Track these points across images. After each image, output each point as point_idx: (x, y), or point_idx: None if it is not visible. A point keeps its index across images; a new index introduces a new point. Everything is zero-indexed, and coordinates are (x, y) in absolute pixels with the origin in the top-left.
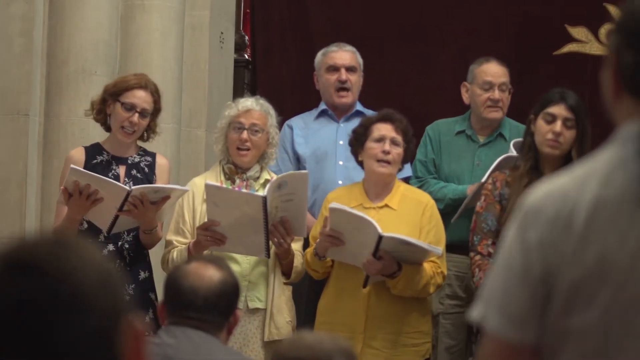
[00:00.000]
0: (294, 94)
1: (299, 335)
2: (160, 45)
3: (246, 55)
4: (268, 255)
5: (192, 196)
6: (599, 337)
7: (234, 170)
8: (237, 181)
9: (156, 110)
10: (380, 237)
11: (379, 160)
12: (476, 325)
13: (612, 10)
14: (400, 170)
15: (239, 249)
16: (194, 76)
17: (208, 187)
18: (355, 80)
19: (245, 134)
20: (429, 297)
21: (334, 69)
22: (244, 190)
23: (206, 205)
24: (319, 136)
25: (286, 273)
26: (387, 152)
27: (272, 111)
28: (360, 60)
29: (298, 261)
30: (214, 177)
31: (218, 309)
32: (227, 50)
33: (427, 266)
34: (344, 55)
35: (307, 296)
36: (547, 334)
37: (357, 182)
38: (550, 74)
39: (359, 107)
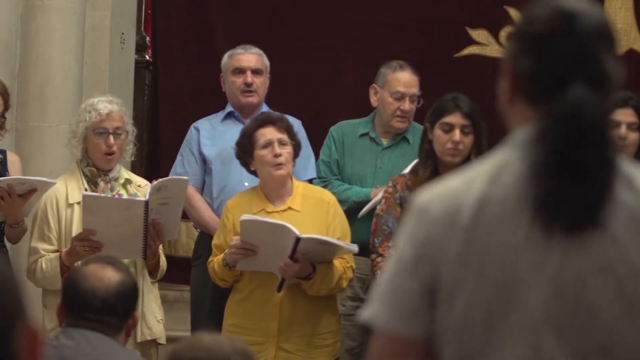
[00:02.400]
0: (194, 95)
1: (196, 336)
2: (60, 46)
3: (147, 56)
4: (145, 257)
5: (55, 201)
6: (477, 331)
7: (97, 173)
8: (101, 184)
9: (5, 109)
10: (298, 239)
11: (273, 165)
12: (366, 326)
13: (513, 13)
14: (294, 165)
15: (115, 253)
16: (94, 77)
17: (86, 197)
18: (262, 82)
19: (111, 139)
20: (337, 296)
21: (240, 71)
22: (124, 197)
23: (82, 215)
24: (225, 138)
25: (152, 272)
26: (278, 155)
27: (125, 107)
28: (267, 63)
29: (162, 260)
30: (74, 181)
31: (116, 310)
32: (127, 51)
33: (337, 262)
34: (250, 57)
35: (211, 297)
36: (436, 329)
37: (254, 187)
38: (451, 76)
39: (264, 109)
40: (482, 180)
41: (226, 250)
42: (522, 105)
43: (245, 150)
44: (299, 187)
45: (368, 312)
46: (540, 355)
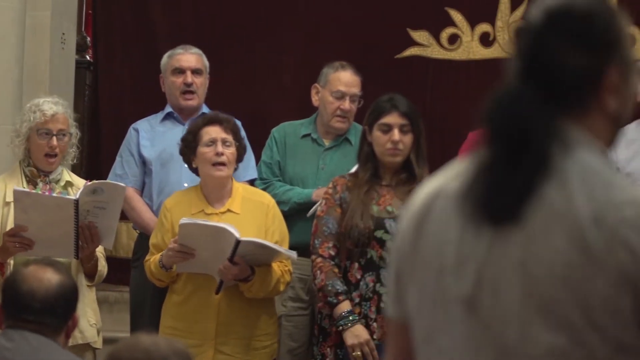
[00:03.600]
0: (135, 96)
1: (135, 337)
2: (0, 46)
3: (88, 57)
4: (77, 257)
5: None
6: (424, 318)
7: (36, 174)
8: (41, 184)
9: None
10: (238, 242)
11: (214, 164)
12: (320, 324)
13: (454, 14)
14: (236, 169)
15: (47, 252)
16: (34, 77)
17: (17, 193)
18: (201, 82)
19: (54, 141)
20: (274, 298)
21: (180, 71)
22: (54, 194)
23: (14, 211)
24: (164, 139)
25: (90, 276)
26: (220, 154)
27: (70, 108)
28: (207, 63)
29: (101, 264)
30: (14, 180)
31: (56, 312)
32: (68, 52)
33: (275, 266)
34: (190, 57)
35: (150, 298)
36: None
37: (194, 187)
38: (393, 77)
39: (204, 109)
40: (448, 175)
41: (163, 252)
42: None
43: (189, 147)
44: (239, 189)
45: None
46: (468, 344)
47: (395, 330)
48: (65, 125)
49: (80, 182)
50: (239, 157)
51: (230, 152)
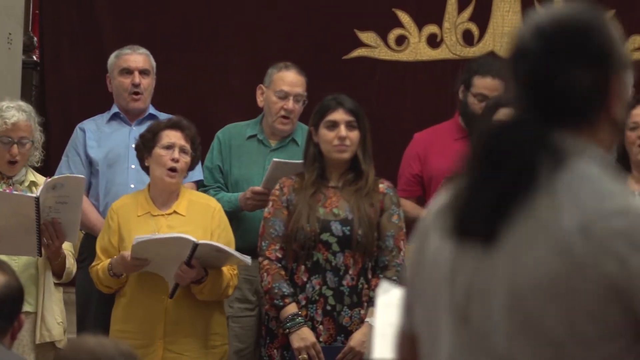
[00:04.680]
0: (82, 96)
1: (80, 338)
2: None
3: (35, 57)
4: (40, 254)
5: None
6: (425, 332)
7: None
8: (3, 186)
9: None
10: (196, 245)
11: (167, 169)
12: (267, 325)
13: (401, 15)
14: (185, 177)
15: (9, 250)
16: None
17: None
18: (149, 83)
19: (15, 149)
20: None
21: (127, 71)
22: (15, 192)
23: None
24: (111, 139)
25: (57, 274)
26: (176, 160)
27: (34, 113)
28: (154, 63)
29: (70, 262)
30: None
31: (2, 313)
32: (14, 52)
33: (224, 269)
34: (137, 57)
35: (97, 299)
36: None
37: (141, 190)
38: (340, 78)
39: (151, 110)
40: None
41: (112, 260)
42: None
43: (146, 145)
44: (186, 192)
45: None
46: (458, 357)
47: (403, 343)
48: (27, 133)
49: (43, 181)
50: (192, 166)
51: (185, 160)
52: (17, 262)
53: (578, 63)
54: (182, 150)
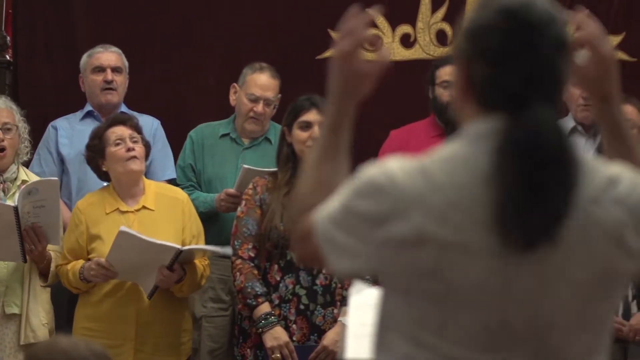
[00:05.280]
0: (56, 96)
1: (53, 339)
2: None
3: (7, 56)
4: (25, 260)
5: None
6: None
7: None
8: None
9: None
10: (180, 252)
11: (127, 160)
12: (240, 325)
13: (375, 15)
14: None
15: None
16: None
17: None
18: (121, 81)
19: (0, 134)
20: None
21: (100, 69)
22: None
23: None
24: (84, 137)
25: (44, 275)
26: (131, 149)
27: (14, 105)
28: (126, 62)
29: (54, 264)
30: None
31: None
32: None
33: (197, 261)
34: (109, 56)
35: (68, 300)
36: None
37: (106, 187)
38: (314, 78)
39: (124, 108)
40: (438, 174)
41: (84, 264)
42: (474, 106)
43: (97, 151)
44: (152, 186)
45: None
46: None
47: None
48: (10, 119)
49: (35, 180)
50: (146, 155)
51: (139, 147)
52: (6, 264)
53: (560, 50)
54: (132, 139)
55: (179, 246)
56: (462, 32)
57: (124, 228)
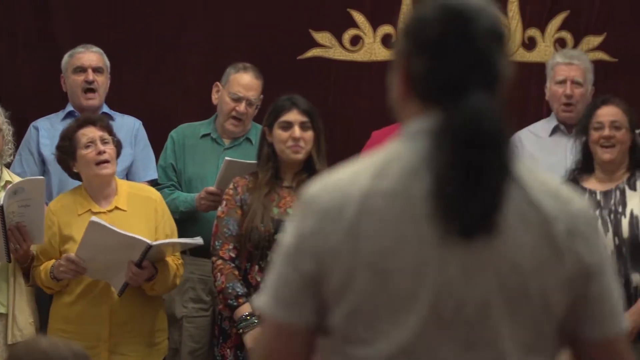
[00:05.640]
0: (38, 97)
1: (33, 339)
2: None
3: None
4: (9, 260)
5: None
6: (364, 319)
7: None
8: None
9: None
10: (149, 247)
11: (97, 163)
12: (220, 325)
13: (356, 16)
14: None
15: None
16: None
17: None
18: (102, 81)
19: None
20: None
21: (81, 69)
22: None
23: None
24: None
25: (28, 275)
26: (102, 152)
27: None
28: (107, 62)
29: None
30: None
31: None
32: None
33: (170, 260)
34: (91, 56)
35: (49, 299)
36: (330, 317)
37: (77, 188)
38: (295, 78)
39: (105, 109)
40: (368, 173)
41: (54, 262)
42: (414, 103)
43: (67, 152)
44: (124, 186)
45: (259, 301)
46: (420, 346)
47: (286, 337)
48: None
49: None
50: (117, 153)
51: (110, 148)
52: None
53: (503, 53)
54: (103, 140)
55: (148, 241)
56: (401, 30)
57: (95, 218)
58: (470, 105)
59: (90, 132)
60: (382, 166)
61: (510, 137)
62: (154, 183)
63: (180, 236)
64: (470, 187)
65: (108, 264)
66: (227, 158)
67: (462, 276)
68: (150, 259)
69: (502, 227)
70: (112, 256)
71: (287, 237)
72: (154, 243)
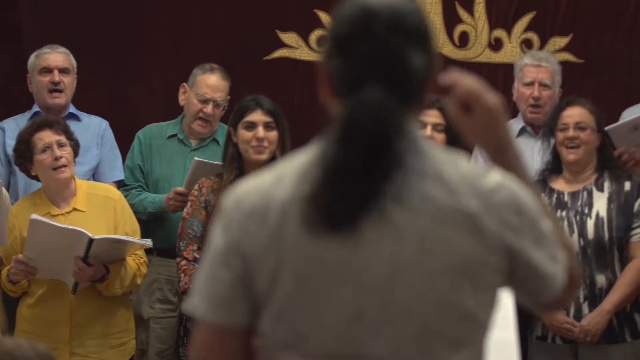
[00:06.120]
0: (3, 98)
1: None
2: None
3: None
4: None
5: None
6: (289, 322)
7: None
8: None
9: None
10: (91, 241)
11: (55, 169)
12: (185, 326)
13: (323, 16)
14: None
15: None
16: None
17: None
18: (69, 82)
19: None
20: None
21: (47, 70)
22: None
23: None
24: None
25: None
26: (59, 157)
27: None
28: (74, 63)
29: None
30: None
31: None
32: None
33: (130, 260)
34: (57, 56)
35: (13, 300)
36: (260, 316)
37: (38, 190)
38: (262, 79)
39: (72, 109)
40: (291, 176)
41: (8, 267)
42: (334, 102)
43: (24, 156)
44: (83, 186)
45: (189, 303)
46: (346, 349)
47: (220, 338)
48: None
49: None
50: (75, 154)
51: (67, 152)
52: None
53: (416, 46)
54: (60, 144)
55: (89, 233)
56: (324, 34)
57: (34, 216)
58: (356, 99)
59: (47, 137)
60: (305, 170)
61: (408, 133)
62: (120, 184)
63: (147, 237)
64: (340, 182)
65: (58, 262)
66: (196, 158)
67: (385, 276)
68: (105, 260)
69: (395, 222)
70: (59, 253)
71: (215, 239)
72: (96, 236)
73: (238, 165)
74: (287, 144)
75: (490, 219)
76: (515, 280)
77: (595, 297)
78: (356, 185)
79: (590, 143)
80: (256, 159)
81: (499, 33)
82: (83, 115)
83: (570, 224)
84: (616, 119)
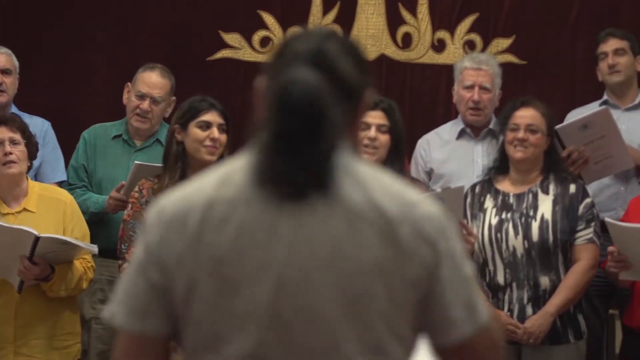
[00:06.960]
0: None
1: None
2: None
3: None
4: None
5: None
6: (209, 326)
7: None
8: None
9: None
10: (37, 239)
11: (3, 164)
12: (109, 324)
13: (266, 17)
14: (30, 167)
15: None
16: None
17: None
18: (11, 82)
19: None
20: (77, 297)
21: None
22: None
23: None
24: None
25: None
26: (9, 153)
27: None
28: (16, 63)
29: None
30: None
31: None
32: None
33: (77, 263)
34: None
35: None
36: (178, 324)
37: None
38: (205, 79)
39: (14, 109)
40: (212, 184)
41: None
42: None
43: None
44: (35, 187)
45: (108, 311)
46: (264, 352)
47: (139, 347)
48: None
49: None
50: (31, 155)
51: (19, 150)
52: None
53: (355, 64)
54: (12, 141)
55: (35, 232)
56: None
57: None
58: (286, 74)
59: (1, 133)
60: (226, 176)
61: (336, 119)
62: (62, 185)
63: (90, 238)
64: (282, 153)
65: (3, 261)
66: (136, 162)
67: (302, 279)
68: (51, 261)
69: (332, 221)
70: (5, 252)
71: (137, 248)
72: (42, 235)
73: (182, 164)
74: (238, 146)
75: (408, 228)
76: (422, 306)
77: (538, 299)
78: (304, 149)
79: (539, 146)
80: (208, 159)
81: (442, 34)
82: (25, 116)
83: (515, 226)
84: (560, 120)
